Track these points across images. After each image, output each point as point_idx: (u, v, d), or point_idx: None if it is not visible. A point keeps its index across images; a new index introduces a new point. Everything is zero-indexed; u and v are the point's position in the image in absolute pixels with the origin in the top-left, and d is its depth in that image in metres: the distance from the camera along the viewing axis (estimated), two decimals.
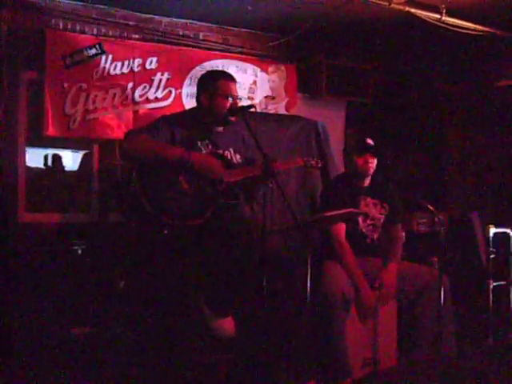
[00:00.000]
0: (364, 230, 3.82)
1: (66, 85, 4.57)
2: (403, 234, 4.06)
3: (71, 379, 3.26)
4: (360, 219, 3.80)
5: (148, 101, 4.89)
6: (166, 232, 3.22)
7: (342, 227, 3.71)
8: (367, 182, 3.89)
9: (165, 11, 4.92)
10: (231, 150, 3.54)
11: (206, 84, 3.52)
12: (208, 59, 5.14)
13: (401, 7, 4.44)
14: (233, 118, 3.46)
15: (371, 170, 3.82)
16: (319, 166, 3.83)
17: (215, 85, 3.46)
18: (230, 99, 3.44)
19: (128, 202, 3.33)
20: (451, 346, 3.60)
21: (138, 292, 3.78)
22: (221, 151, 3.49)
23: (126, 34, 4.88)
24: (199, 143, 3.44)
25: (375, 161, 3.83)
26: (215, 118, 3.47)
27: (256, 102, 5.34)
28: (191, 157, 3.25)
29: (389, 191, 3.97)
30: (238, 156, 3.56)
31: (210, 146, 3.47)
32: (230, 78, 3.53)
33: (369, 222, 3.84)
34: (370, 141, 3.86)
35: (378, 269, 3.75)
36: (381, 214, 3.88)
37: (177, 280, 3.46)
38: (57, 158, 4.98)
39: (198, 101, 3.55)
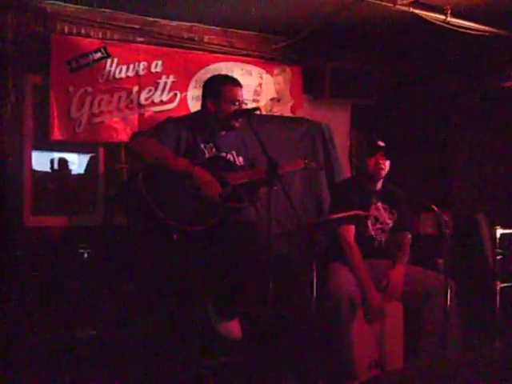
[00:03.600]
0: (373, 233, 3.82)
1: (71, 89, 4.58)
2: (410, 237, 4.05)
3: (76, 382, 3.26)
4: (369, 222, 3.80)
5: (153, 104, 4.90)
6: (175, 236, 3.21)
7: (351, 229, 3.71)
8: (379, 186, 3.88)
9: (169, 14, 4.92)
10: (234, 152, 3.55)
11: (212, 89, 3.52)
12: (213, 62, 5.14)
13: (405, 8, 4.42)
14: (237, 124, 3.45)
15: (383, 173, 3.80)
16: (320, 168, 3.83)
17: (221, 90, 3.46)
18: (236, 104, 3.44)
19: (134, 205, 3.33)
20: (457, 350, 3.59)
21: (144, 295, 3.78)
22: (224, 154, 3.50)
23: (131, 38, 4.89)
24: (203, 146, 3.45)
25: (387, 163, 3.81)
26: (220, 122, 3.47)
27: (261, 104, 5.35)
28: (194, 172, 3.24)
29: (399, 198, 3.96)
30: (240, 159, 3.57)
31: (214, 149, 3.48)
32: (236, 83, 3.52)
33: (378, 225, 3.85)
34: (380, 142, 3.84)
35: (385, 271, 3.74)
36: (390, 220, 3.87)
37: (184, 283, 3.46)
38: (63, 162, 5.00)
39: (203, 105, 3.55)
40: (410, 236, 4.01)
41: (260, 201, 3.64)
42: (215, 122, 3.48)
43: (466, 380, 3.40)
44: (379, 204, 3.86)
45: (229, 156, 3.53)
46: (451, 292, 3.48)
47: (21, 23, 4.42)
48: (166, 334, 3.47)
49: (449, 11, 4.52)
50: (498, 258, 4.60)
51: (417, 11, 4.46)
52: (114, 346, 3.56)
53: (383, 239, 3.85)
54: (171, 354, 3.41)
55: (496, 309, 4.52)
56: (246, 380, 3.35)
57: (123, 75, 4.78)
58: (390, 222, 3.88)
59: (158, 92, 4.91)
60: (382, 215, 3.85)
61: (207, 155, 3.45)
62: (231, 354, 3.44)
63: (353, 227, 3.71)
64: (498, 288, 4.55)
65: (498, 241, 4.63)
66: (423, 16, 4.50)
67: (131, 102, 4.81)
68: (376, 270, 3.70)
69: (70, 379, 3.28)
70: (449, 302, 3.44)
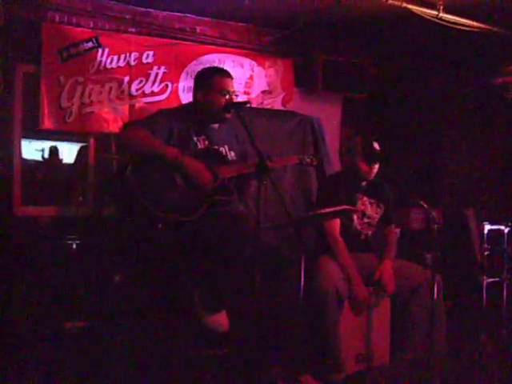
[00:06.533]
0: (359, 227, 3.84)
1: (62, 78, 4.56)
2: (397, 231, 4.07)
3: (64, 373, 3.27)
4: (355, 217, 3.81)
5: (144, 95, 4.88)
6: (160, 226, 3.23)
7: (336, 223, 3.73)
8: (365, 181, 3.90)
9: (161, 5, 4.90)
10: (226, 147, 3.54)
11: (202, 81, 3.51)
12: (204, 53, 5.12)
13: (398, 3, 4.41)
14: (228, 115, 3.45)
15: (373, 175, 3.82)
16: (314, 163, 3.82)
17: (211, 81, 3.45)
18: (227, 95, 3.43)
19: (123, 195, 3.34)
20: (442, 345, 3.62)
21: (132, 286, 3.78)
22: (216, 147, 3.49)
23: (122, 28, 4.87)
24: (195, 138, 3.44)
25: (377, 165, 3.83)
26: (211, 114, 3.46)
27: (252, 96, 5.35)
28: (184, 161, 3.25)
29: (385, 192, 3.98)
30: (232, 153, 3.56)
31: (207, 142, 3.47)
32: (226, 74, 3.52)
33: (365, 220, 3.86)
34: (376, 145, 3.82)
35: (372, 264, 3.77)
36: (376, 214, 3.89)
37: (171, 275, 3.46)
38: (53, 151, 4.97)
39: (194, 97, 3.55)
40: (396, 230, 4.04)
41: (250, 194, 3.63)
42: (206, 114, 3.47)
43: (453, 374, 3.44)
44: (365, 199, 3.88)
45: (221, 149, 3.53)
46: (438, 287, 3.51)
47: (12, 12, 4.39)
48: (153, 326, 3.47)
49: (441, 7, 4.52)
50: (486, 253, 4.64)
51: (409, 6, 4.46)
52: (103, 338, 3.57)
53: (369, 233, 3.88)
54: (158, 346, 3.41)
55: (482, 303, 4.57)
56: (233, 372, 3.37)
57: (114, 65, 4.76)
58: (377, 216, 3.90)
59: (149, 83, 4.90)
60: (368, 210, 3.87)
61: (199, 147, 3.44)
62: (218, 346, 3.46)
63: (338, 222, 3.73)
64: (485, 283, 4.60)
65: (485, 236, 4.68)
66: (415, 11, 4.49)
67: (122, 92, 4.80)
68: (362, 264, 3.72)
69: (57, 370, 3.28)
70: (435, 297, 3.47)
